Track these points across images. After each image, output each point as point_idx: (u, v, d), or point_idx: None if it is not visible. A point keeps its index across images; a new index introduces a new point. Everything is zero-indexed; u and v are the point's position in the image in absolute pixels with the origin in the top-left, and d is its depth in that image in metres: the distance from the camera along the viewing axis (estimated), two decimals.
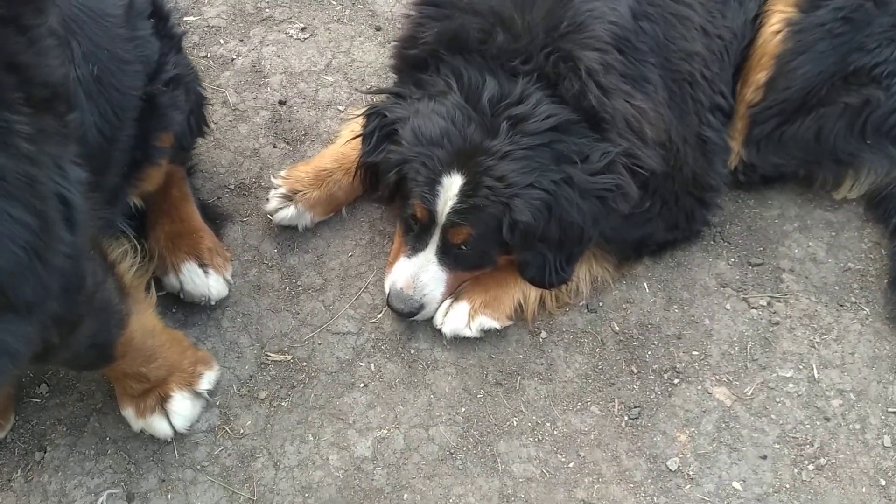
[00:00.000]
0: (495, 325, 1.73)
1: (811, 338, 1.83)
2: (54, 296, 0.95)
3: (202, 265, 1.70)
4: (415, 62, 1.73)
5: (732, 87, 1.86)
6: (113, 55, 1.34)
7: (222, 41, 2.21)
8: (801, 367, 1.79)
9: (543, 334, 1.79)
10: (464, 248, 1.65)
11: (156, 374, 1.51)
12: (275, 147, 2.01)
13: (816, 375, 1.78)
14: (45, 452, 1.55)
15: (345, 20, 2.27)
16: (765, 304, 1.85)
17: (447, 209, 1.56)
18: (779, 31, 1.75)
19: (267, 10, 2.26)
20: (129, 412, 1.54)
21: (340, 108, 2.09)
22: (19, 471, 1.53)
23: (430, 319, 1.76)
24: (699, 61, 1.72)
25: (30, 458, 1.54)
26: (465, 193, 1.54)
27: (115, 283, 1.34)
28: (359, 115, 1.86)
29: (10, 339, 0.88)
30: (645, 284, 1.87)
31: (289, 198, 1.82)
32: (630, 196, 1.64)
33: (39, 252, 0.86)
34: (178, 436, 1.56)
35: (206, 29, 2.23)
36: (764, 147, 1.89)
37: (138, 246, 1.54)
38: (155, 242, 1.70)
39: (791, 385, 1.76)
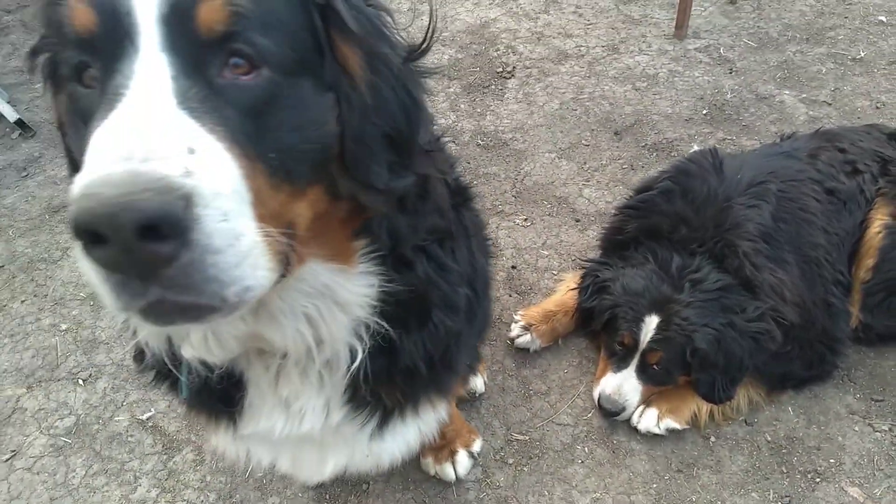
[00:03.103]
0: (677, 426, 2.38)
1: None
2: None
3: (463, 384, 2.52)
4: (619, 244, 2.60)
5: (849, 268, 2.53)
6: None
7: None
8: None
9: (713, 438, 2.42)
10: (656, 367, 2.36)
11: (448, 434, 2.28)
12: (510, 296, 2.89)
13: None
14: (368, 485, 2.32)
15: (553, 214, 3.23)
16: (886, 428, 2.40)
17: (647, 339, 2.32)
18: (879, 232, 2.42)
19: (500, 206, 3.27)
20: (428, 461, 2.30)
21: (554, 272, 2.97)
22: (352, 496, 2.30)
23: (627, 421, 2.45)
24: (822, 250, 2.43)
25: (359, 488, 2.32)
26: (660, 328, 2.29)
27: None
28: (572, 276, 2.73)
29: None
30: (790, 408, 2.48)
31: (526, 329, 2.65)
32: (776, 339, 2.32)
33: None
34: (457, 481, 2.29)
35: None
36: (876, 313, 2.49)
37: None
38: None
39: None
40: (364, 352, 1.14)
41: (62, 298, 2.95)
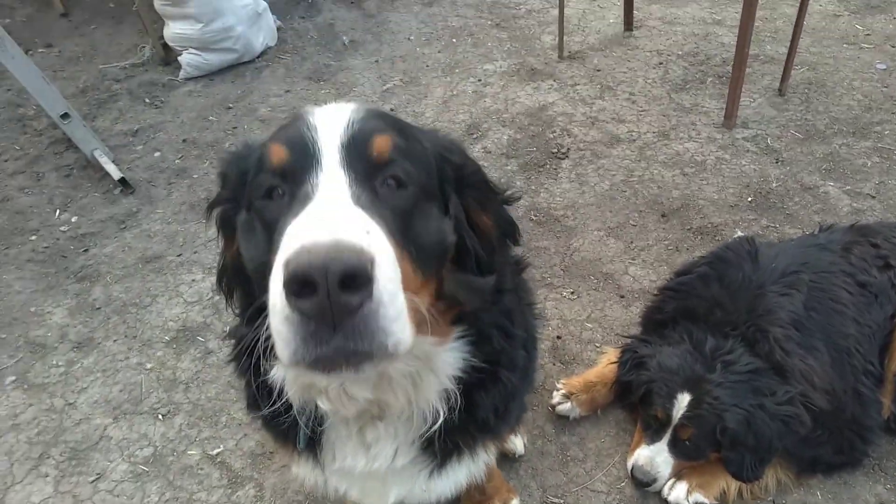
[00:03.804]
0: (706, 501, 2.49)
1: None
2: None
3: (513, 432, 2.71)
4: (658, 322, 2.78)
5: (881, 360, 2.65)
6: None
7: None
8: None
9: None
10: (688, 442, 2.51)
11: (489, 490, 2.46)
12: (553, 364, 3.09)
13: None
14: None
15: (599, 289, 3.43)
16: None
17: (679, 414, 2.47)
18: None
19: (549, 279, 3.50)
20: None
21: (597, 345, 3.16)
22: None
23: (658, 492, 2.57)
24: (853, 340, 2.55)
25: None
26: (692, 406, 2.44)
27: None
28: (613, 350, 2.91)
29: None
30: (818, 493, 2.57)
31: (567, 397, 2.83)
32: (804, 423, 2.43)
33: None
34: None
35: None
36: None
37: None
38: None
39: None
40: (444, 414, 1.46)
41: (149, 340, 3.30)
